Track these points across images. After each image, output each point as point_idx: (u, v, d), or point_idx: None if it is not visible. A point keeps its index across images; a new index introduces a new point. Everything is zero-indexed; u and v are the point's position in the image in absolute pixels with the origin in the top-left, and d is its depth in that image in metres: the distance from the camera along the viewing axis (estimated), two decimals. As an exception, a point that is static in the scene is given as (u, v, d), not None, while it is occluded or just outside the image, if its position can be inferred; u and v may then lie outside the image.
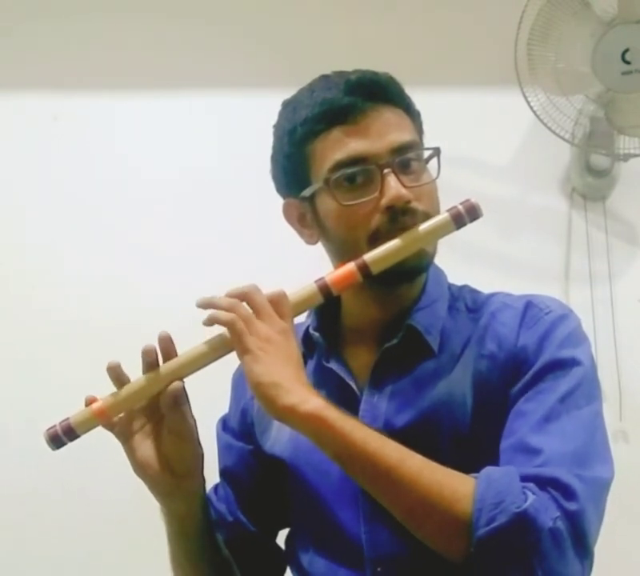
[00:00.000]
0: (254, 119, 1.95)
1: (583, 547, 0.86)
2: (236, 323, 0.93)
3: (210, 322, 0.95)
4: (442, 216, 0.98)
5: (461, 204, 0.97)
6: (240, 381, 1.17)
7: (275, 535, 1.18)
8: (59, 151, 2.04)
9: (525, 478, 0.86)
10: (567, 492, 0.85)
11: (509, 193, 2.05)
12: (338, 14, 2.08)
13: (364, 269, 0.96)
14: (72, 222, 2.02)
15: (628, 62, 1.82)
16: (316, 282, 0.97)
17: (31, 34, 2.06)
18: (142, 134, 2.07)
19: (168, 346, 0.98)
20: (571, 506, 0.84)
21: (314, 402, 0.89)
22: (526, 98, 1.86)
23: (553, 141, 1.91)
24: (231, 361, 0.98)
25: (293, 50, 2.05)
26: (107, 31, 2.06)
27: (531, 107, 1.87)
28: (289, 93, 1.07)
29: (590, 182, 2.03)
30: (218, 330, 0.96)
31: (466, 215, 0.96)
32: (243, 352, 0.92)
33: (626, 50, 1.81)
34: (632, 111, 1.88)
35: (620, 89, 1.85)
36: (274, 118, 1.09)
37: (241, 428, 1.17)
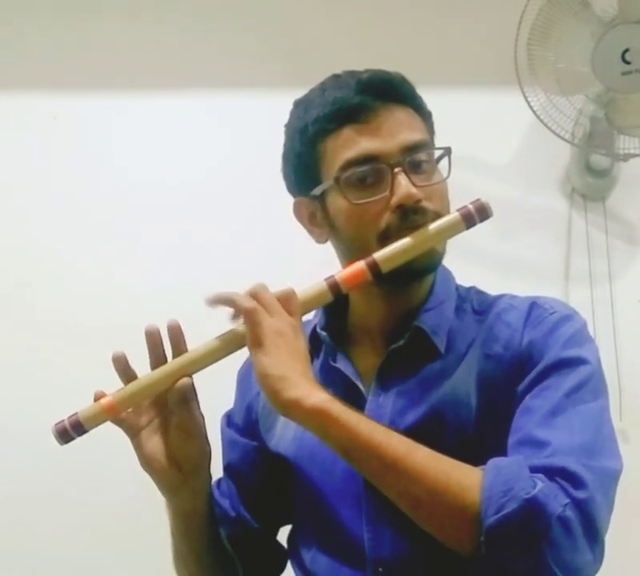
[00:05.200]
0: (255, 119, 1.99)
1: (594, 536, 0.84)
2: (254, 313, 0.92)
3: (228, 305, 0.94)
4: (453, 215, 0.98)
5: (471, 204, 0.97)
6: (246, 377, 1.17)
7: (277, 531, 1.19)
8: (59, 151, 2.04)
9: (533, 469, 0.85)
10: (576, 481, 0.84)
11: (509, 193, 2.05)
12: (339, 15, 2.09)
13: (374, 267, 0.96)
14: (72, 222, 2.02)
15: (628, 62, 1.82)
16: (326, 279, 0.98)
17: (32, 33, 2.06)
18: (142, 134, 2.07)
19: (177, 335, 0.98)
20: (580, 494, 0.83)
21: (318, 396, 0.89)
22: (526, 98, 1.86)
23: (553, 141, 1.90)
24: (239, 356, 0.98)
25: (293, 51, 2.05)
26: (107, 31, 2.06)
27: (531, 107, 1.87)
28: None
29: (590, 182, 2.03)
30: (226, 327, 0.96)
31: (476, 215, 0.96)
32: (255, 343, 0.92)
33: (626, 50, 1.81)
34: (632, 111, 1.88)
35: (620, 89, 1.85)
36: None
37: (245, 424, 1.17)
